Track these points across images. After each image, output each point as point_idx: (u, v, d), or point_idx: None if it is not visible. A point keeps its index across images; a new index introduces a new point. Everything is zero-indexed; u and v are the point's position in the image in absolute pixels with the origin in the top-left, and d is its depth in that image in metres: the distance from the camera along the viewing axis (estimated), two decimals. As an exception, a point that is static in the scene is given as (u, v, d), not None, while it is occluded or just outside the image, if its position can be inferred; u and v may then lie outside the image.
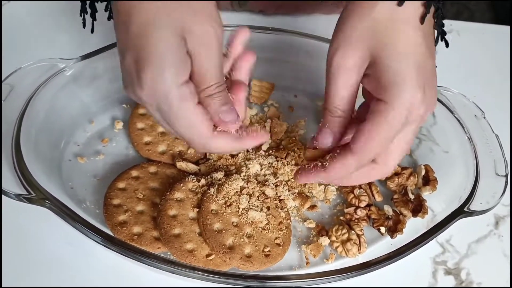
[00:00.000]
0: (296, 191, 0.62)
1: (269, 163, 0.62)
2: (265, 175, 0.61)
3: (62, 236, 0.59)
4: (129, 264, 0.55)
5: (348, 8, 0.50)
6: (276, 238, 0.57)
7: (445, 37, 0.54)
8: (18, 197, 0.53)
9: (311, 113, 0.72)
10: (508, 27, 0.87)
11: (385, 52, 0.47)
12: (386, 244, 0.59)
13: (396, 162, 0.50)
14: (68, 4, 0.82)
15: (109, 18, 0.54)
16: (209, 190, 0.58)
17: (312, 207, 0.62)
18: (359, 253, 0.58)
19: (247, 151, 0.64)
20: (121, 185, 0.60)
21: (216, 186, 0.58)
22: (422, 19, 0.48)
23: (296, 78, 0.73)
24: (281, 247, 0.56)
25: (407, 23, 0.48)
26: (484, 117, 0.64)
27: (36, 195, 0.53)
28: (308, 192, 0.63)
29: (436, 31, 0.51)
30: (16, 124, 0.58)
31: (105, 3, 0.55)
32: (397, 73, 0.46)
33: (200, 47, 0.46)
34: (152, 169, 0.62)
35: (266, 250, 0.55)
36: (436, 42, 0.51)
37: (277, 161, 0.63)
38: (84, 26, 0.56)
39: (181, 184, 0.59)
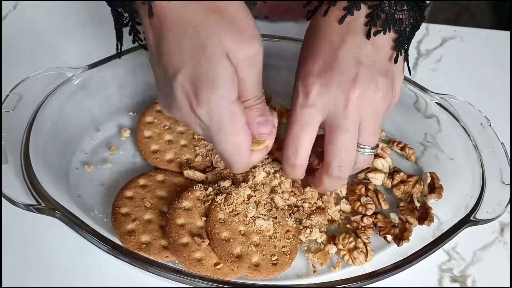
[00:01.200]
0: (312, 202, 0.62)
1: (276, 171, 0.63)
2: (271, 184, 0.62)
3: (67, 241, 0.59)
4: (137, 272, 0.55)
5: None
6: (283, 247, 0.57)
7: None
8: (27, 207, 0.53)
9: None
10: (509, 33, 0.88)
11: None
12: (393, 252, 0.59)
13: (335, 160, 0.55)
14: (74, 12, 0.83)
15: (133, 41, 0.57)
16: (217, 198, 0.58)
17: (331, 221, 0.62)
18: (366, 261, 0.58)
19: None
20: (128, 193, 0.60)
21: (224, 195, 0.59)
22: (341, 20, 0.54)
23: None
24: (288, 256, 0.57)
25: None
26: (490, 125, 0.65)
27: (45, 205, 0.53)
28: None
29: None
30: (25, 134, 0.58)
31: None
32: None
33: (243, 65, 0.48)
34: (160, 177, 0.62)
35: (273, 258, 0.56)
36: (368, 35, 0.54)
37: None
38: (118, 52, 0.59)
39: (189, 193, 0.59)
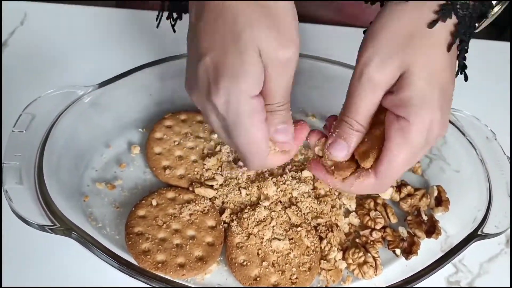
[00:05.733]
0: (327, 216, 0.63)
1: (286, 185, 0.64)
2: (284, 199, 0.63)
3: (76, 253, 0.59)
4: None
5: (381, 21, 0.50)
6: (303, 264, 0.58)
7: (465, 70, 0.55)
8: (42, 227, 0.53)
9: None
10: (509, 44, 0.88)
11: (415, 69, 0.48)
12: (401, 266, 0.60)
13: (395, 179, 0.53)
14: (83, 28, 0.83)
15: (167, 17, 0.59)
16: (232, 224, 0.60)
17: (347, 235, 0.63)
18: (375, 275, 0.59)
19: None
20: (141, 212, 0.60)
21: (237, 220, 0.60)
22: (449, 47, 0.49)
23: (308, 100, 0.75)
24: (308, 272, 0.57)
25: (438, 46, 0.48)
26: (495, 139, 0.66)
27: (60, 225, 0.53)
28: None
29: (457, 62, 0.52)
30: (38, 154, 0.58)
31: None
32: (422, 92, 0.47)
33: (276, 68, 0.47)
34: (170, 195, 0.62)
35: (293, 277, 0.56)
36: (456, 74, 0.52)
37: (296, 181, 0.64)
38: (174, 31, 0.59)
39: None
